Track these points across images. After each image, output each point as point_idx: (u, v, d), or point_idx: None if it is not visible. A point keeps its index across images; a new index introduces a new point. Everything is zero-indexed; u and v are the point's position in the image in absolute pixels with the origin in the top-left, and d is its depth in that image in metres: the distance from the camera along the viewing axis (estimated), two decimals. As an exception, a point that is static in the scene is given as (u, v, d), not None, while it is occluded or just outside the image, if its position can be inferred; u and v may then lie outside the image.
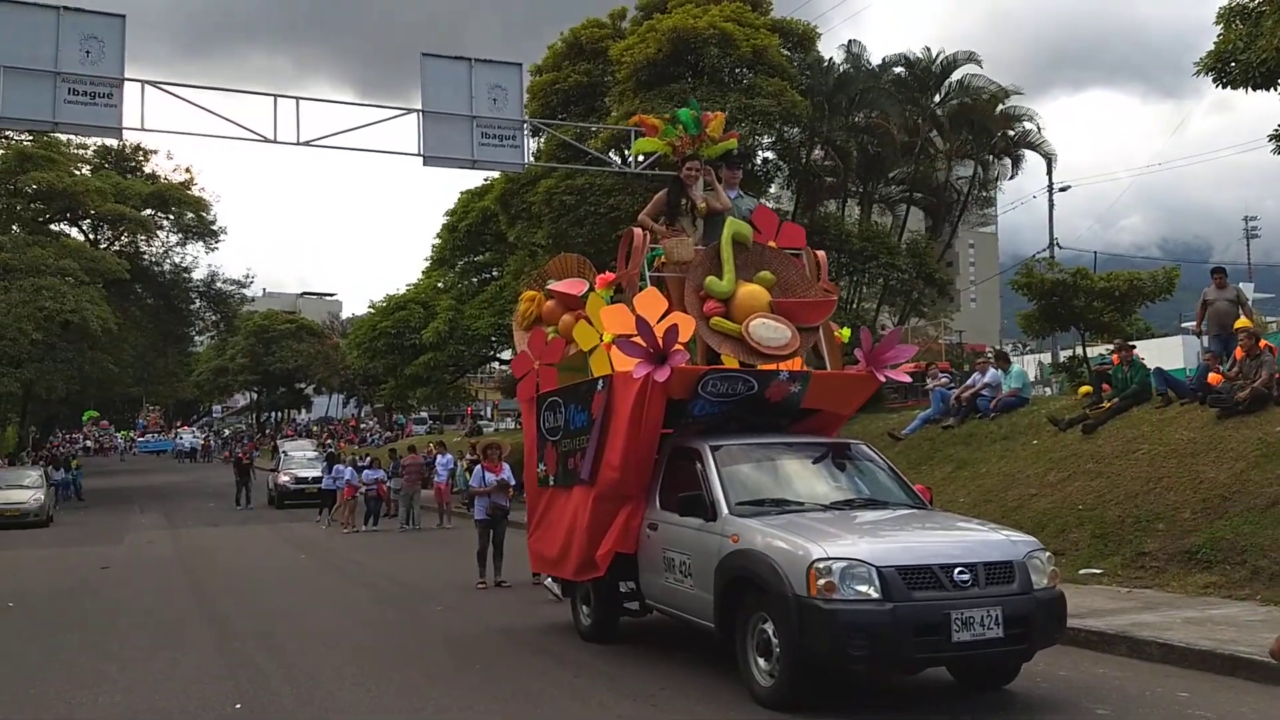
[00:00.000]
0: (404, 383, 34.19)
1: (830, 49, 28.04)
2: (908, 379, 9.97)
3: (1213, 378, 14.01)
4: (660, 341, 7.97)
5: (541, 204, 23.97)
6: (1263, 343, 13.23)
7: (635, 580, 8.85)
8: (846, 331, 9.90)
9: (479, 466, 14.29)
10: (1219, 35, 19.70)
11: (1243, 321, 14.46)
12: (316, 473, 28.71)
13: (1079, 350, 31.55)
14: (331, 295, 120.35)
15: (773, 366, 8.53)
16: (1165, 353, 27.85)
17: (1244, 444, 12.05)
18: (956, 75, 29.38)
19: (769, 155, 26.72)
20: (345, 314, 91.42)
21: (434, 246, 36.39)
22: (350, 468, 24.96)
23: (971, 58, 29.43)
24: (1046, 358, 36.85)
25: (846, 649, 6.47)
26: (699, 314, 8.51)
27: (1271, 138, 20.05)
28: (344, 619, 11.47)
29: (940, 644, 6.50)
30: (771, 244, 9.30)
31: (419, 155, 18.83)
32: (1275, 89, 19.20)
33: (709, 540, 7.61)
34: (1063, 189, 42.10)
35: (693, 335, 8.36)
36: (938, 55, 29.37)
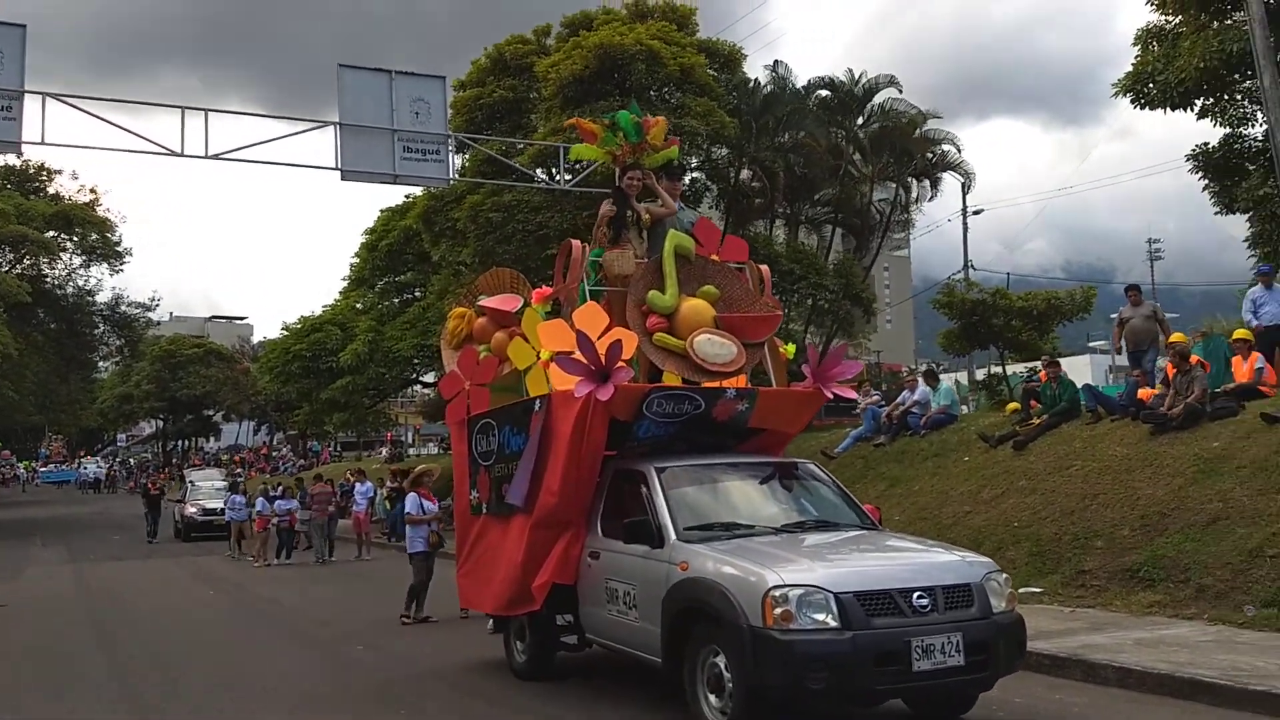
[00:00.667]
0: (319, 407, 33.16)
1: (754, 71, 28.18)
2: (855, 395, 9.64)
3: (1143, 394, 14.03)
4: (602, 358, 7.56)
5: (467, 221, 23.44)
6: (1194, 358, 13.24)
7: (574, 613, 8.36)
8: (791, 348, 9.62)
9: (415, 495, 13.55)
10: (1136, 57, 20.07)
11: (1177, 336, 14.53)
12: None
13: (995, 368, 31.99)
14: (242, 319, 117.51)
15: (718, 384, 8.19)
16: (1074, 371, 28.18)
17: (1180, 460, 12.00)
18: (878, 99, 29.66)
19: (698, 175, 26.54)
20: (256, 338, 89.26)
21: (352, 266, 35.50)
22: (261, 498, 24.00)
23: (892, 81, 29.75)
24: (963, 376, 37.27)
25: (804, 682, 6.11)
26: (641, 330, 8.15)
27: (1189, 158, 20.51)
28: (256, 662, 10.74)
29: (901, 674, 6.21)
30: (714, 257, 8.95)
31: (337, 169, 18.19)
32: (1192, 109, 19.63)
33: (655, 568, 7.19)
34: (976, 212, 42.87)
35: (635, 352, 7.99)
36: (860, 77, 29.60)
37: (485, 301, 9.81)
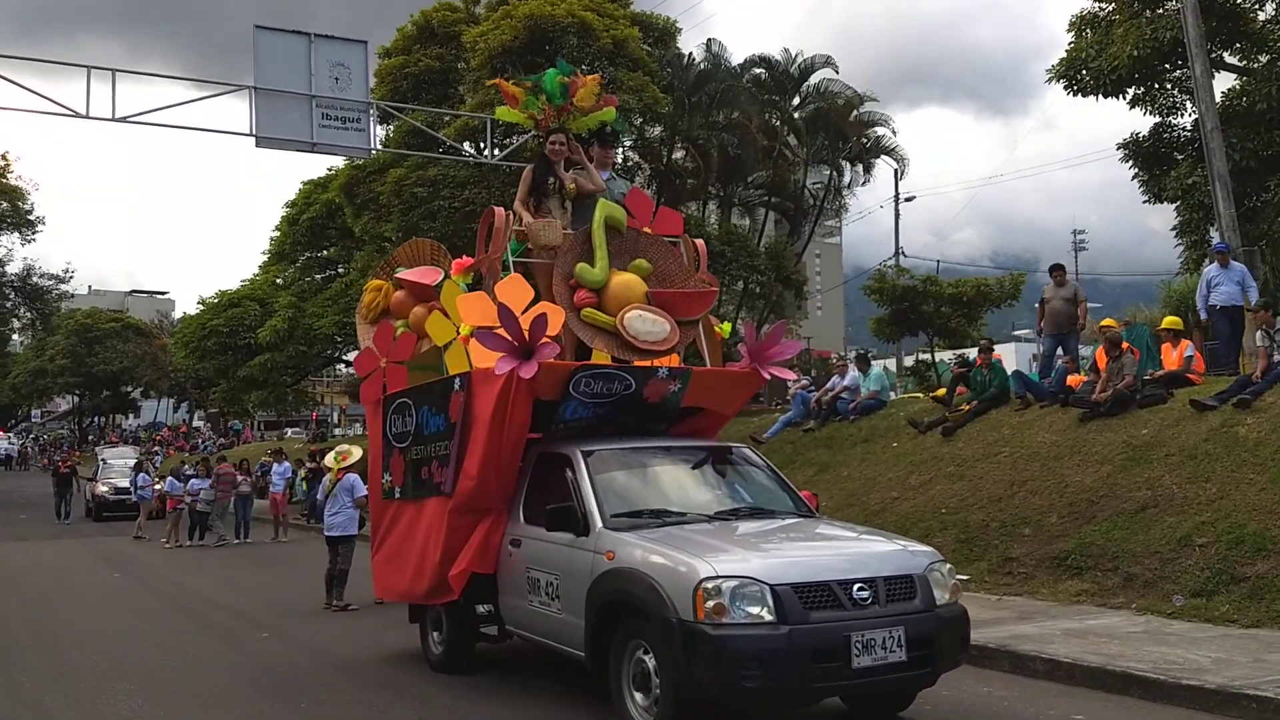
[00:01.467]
0: (237, 385, 32.20)
1: (688, 48, 27.86)
2: (793, 376, 9.24)
3: (1072, 380, 13.97)
4: (526, 334, 7.07)
5: (390, 195, 22.75)
6: (1124, 344, 13.18)
7: (494, 603, 7.91)
8: (727, 327, 9.13)
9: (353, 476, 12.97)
10: (1070, 43, 20.13)
11: (1108, 322, 14.47)
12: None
13: (924, 355, 32.18)
14: (163, 294, 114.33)
15: (649, 363, 7.73)
16: (1007, 360, 28.65)
17: (1108, 447, 11.91)
18: (814, 79, 29.45)
19: (630, 154, 26.10)
20: (178, 313, 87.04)
21: (273, 240, 34.50)
22: (171, 477, 23.18)
23: (829, 62, 29.56)
24: (892, 363, 37.47)
25: (738, 680, 5.71)
26: (568, 304, 7.63)
27: (1119, 146, 20.63)
28: (154, 649, 10.15)
29: (840, 670, 5.85)
30: (647, 230, 8.39)
31: (251, 135, 17.44)
32: (1124, 97, 19.72)
33: (580, 558, 6.77)
34: (908, 199, 43.10)
35: (561, 328, 7.50)
36: (796, 57, 29.35)
37: (403, 274, 9.24)
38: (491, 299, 7.61)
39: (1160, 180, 19.53)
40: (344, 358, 36.45)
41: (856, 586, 6.00)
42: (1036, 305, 16.00)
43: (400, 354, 8.87)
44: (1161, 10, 18.66)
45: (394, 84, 23.61)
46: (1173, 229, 19.91)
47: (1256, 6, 19.39)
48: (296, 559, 17.65)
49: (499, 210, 8.40)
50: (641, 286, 7.87)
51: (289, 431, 57.77)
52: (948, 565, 6.59)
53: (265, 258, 35.45)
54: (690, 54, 26.99)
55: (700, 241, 9.15)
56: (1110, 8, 19.45)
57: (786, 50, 29.48)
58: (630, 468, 7.52)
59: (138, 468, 26.11)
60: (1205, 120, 16.81)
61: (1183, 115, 19.93)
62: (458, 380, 7.85)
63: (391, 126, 23.90)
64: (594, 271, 7.74)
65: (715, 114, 26.94)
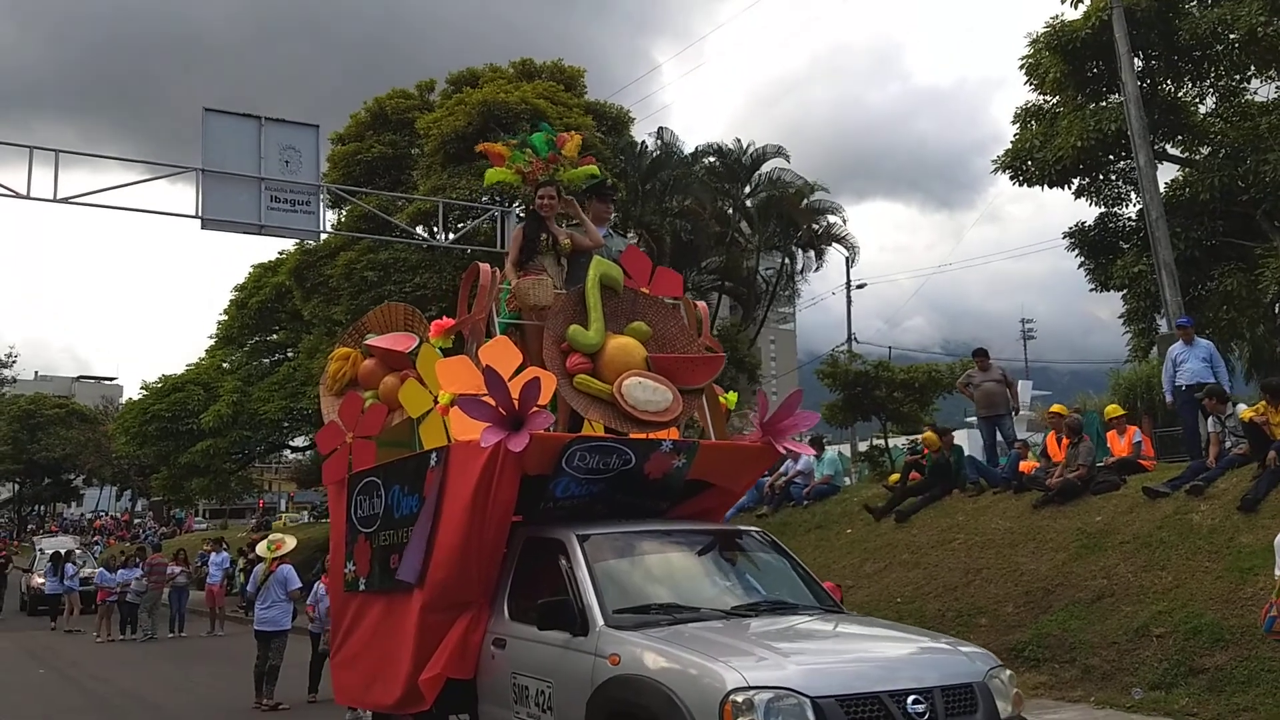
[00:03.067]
0: (179, 472, 31.36)
1: (641, 136, 28.19)
2: (811, 451, 8.58)
3: (1025, 466, 13.88)
4: (515, 401, 6.27)
5: (340, 278, 22.51)
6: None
7: (472, 713, 6.97)
8: (734, 396, 8.32)
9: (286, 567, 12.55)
10: (1015, 135, 20.53)
11: (1058, 408, 14.44)
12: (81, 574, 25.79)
13: (878, 440, 32.15)
14: (111, 379, 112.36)
15: (648, 435, 6.99)
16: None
17: (1063, 534, 11.77)
18: (766, 168, 29.88)
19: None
20: (125, 398, 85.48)
21: (220, 324, 34.00)
22: (102, 568, 22.41)
23: (780, 152, 30.06)
24: (846, 449, 37.41)
25: None
26: (560, 370, 6.88)
27: (1065, 235, 20.95)
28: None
29: None
30: (644, 290, 7.70)
31: (197, 217, 17.22)
32: (1069, 187, 20.09)
33: (578, 662, 5.83)
34: (860, 286, 43.60)
35: (553, 396, 6.80)
36: (748, 147, 29.78)
37: (374, 341, 8.43)
38: (475, 363, 6.90)
39: (1107, 269, 19.82)
40: (290, 443, 35.76)
41: (911, 699, 5.13)
42: (961, 386, 15.89)
43: (368, 428, 7.99)
44: (1105, 103, 19.12)
45: (347, 169, 23.55)
46: (1120, 317, 20.16)
47: (1197, 100, 19.95)
48: (231, 653, 16.98)
49: (484, 266, 7.60)
50: (640, 351, 7.17)
51: (249, 518, 56.39)
52: (1007, 671, 5.76)
53: (212, 342, 34.96)
54: (643, 142, 27.28)
55: (703, 305, 8.59)
56: (1054, 100, 19.90)
57: (738, 140, 29.97)
58: (633, 555, 6.67)
59: (64, 558, 25.23)
60: (1150, 209, 17.10)
61: (1127, 205, 20.34)
62: (434, 455, 7.00)
63: (343, 211, 23.79)
64: (588, 334, 7.05)
65: (669, 200, 27.15)
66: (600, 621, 5.84)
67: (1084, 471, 12.36)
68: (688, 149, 29.25)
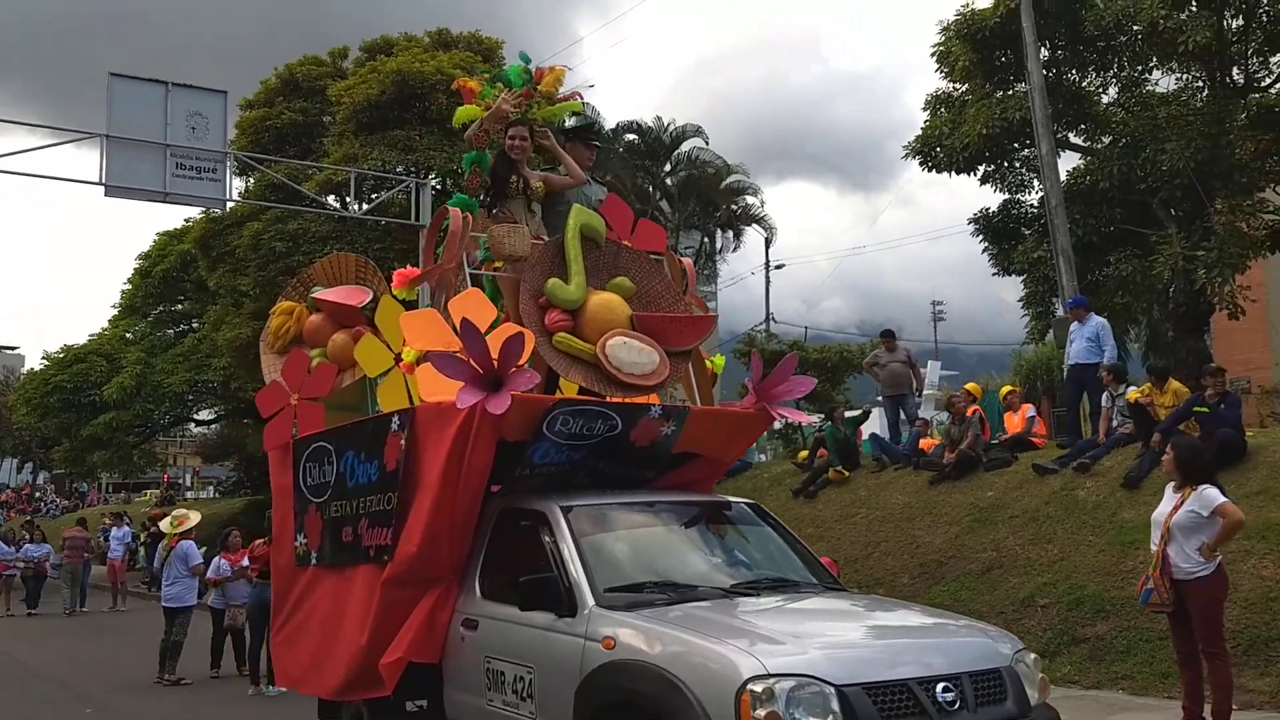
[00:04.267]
0: (80, 444, 30.55)
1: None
2: (806, 418, 8.18)
3: (925, 443, 14.28)
4: (495, 358, 5.69)
5: (248, 249, 22.06)
6: (970, 409, 13.52)
7: (434, 700, 6.34)
8: (720, 360, 7.78)
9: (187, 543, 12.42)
10: (926, 122, 20.91)
11: (971, 386, 14.88)
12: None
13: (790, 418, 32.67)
14: (13, 349, 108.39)
15: (634, 400, 6.42)
16: (866, 423, 29.13)
17: (957, 509, 12.16)
18: (685, 147, 30.01)
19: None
20: (27, 369, 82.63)
21: (124, 293, 33.06)
22: (1, 542, 21.85)
23: (699, 131, 30.23)
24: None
25: None
26: (538, 328, 6.29)
27: (971, 221, 21.45)
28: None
29: None
30: (626, 244, 7.08)
31: (100, 184, 16.78)
32: (975, 174, 20.56)
33: (565, 645, 5.29)
34: (778, 267, 44.08)
35: (530, 355, 6.22)
36: (668, 125, 29.87)
37: (322, 294, 7.77)
38: (445, 317, 6.29)
39: (1009, 254, 20.33)
40: (195, 417, 35.06)
41: (941, 686, 4.70)
42: (868, 366, 16.27)
43: (316, 389, 7.35)
44: (1011, 91, 19.57)
45: (255, 136, 23.03)
46: (1020, 300, 20.73)
47: (1100, 90, 20.53)
48: (133, 628, 16.77)
49: (455, 210, 6.91)
50: (624, 309, 6.59)
51: (143, 494, 55.11)
52: (1032, 655, 5.38)
53: (115, 311, 34.01)
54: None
55: (689, 261, 7.85)
56: (964, 88, 20.30)
57: (659, 118, 30.01)
58: (621, 528, 6.15)
59: None
60: (1050, 197, 17.62)
61: (1030, 192, 20.86)
62: (396, 418, 6.38)
63: (251, 179, 23.28)
64: (569, 289, 6.44)
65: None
66: (590, 601, 5.32)
67: (971, 443, 12.78)
68: (609, 124, 29.22)
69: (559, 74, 7.49)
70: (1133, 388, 11.88)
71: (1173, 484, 7.07)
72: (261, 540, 11.39)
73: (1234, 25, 18.10)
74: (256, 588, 11.17)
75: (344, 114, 21.75)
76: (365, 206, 21.21)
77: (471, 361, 5.70)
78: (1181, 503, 6.82)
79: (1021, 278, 20.37)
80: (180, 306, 32.11)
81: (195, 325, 30.95)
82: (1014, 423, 13.61)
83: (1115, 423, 11.75)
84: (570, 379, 6.44)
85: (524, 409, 5.77)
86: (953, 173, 20.25)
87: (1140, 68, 19.63)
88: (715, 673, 4.54)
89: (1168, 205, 18.37)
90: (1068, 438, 12.69)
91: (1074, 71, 20.11)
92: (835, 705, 4.41)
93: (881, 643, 5.15)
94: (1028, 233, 20.53)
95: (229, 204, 20.60)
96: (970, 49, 19.19)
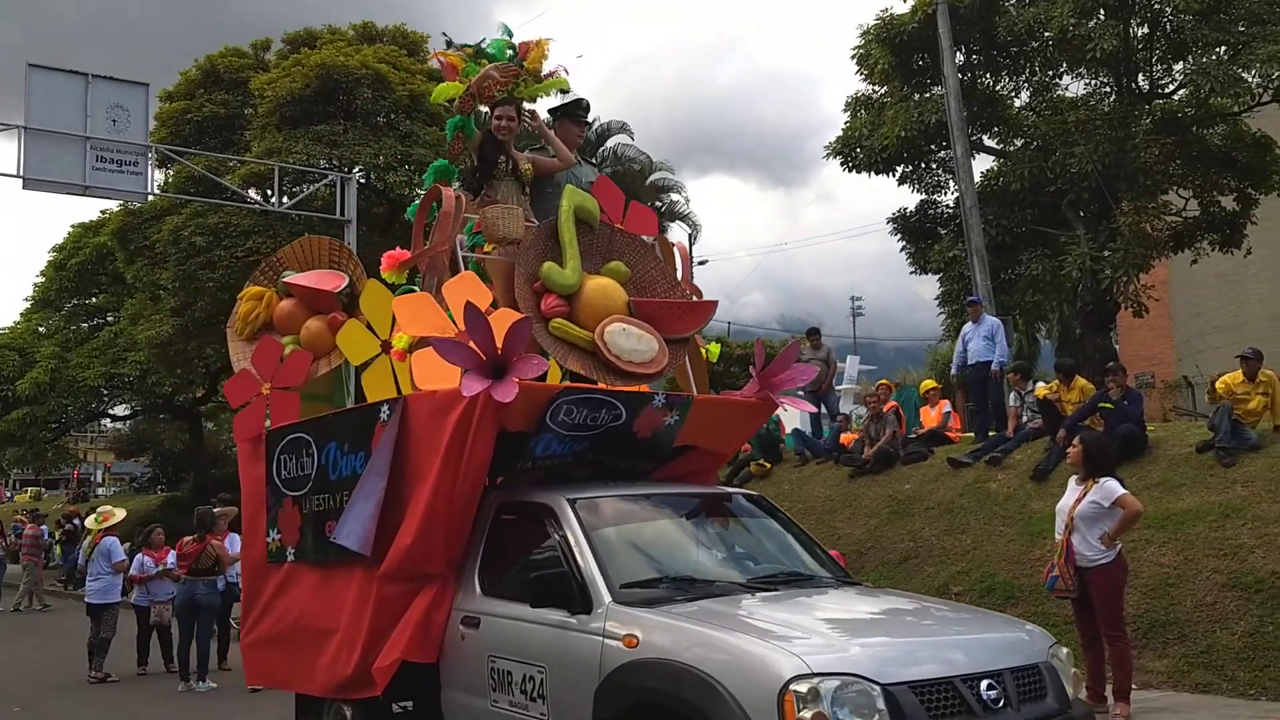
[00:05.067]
0: (-8, 441, 29.81)
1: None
2: (811, 408, 8.00)
3: (845, 438, 14.72)
4: (499, 344, 5.41)
5: (167, 243, 21.72)
6: (888, 405, 13.98)
7: (422, 700, 6.08)
8: (715, 348, 7.64)
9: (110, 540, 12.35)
10: (846, 123, 21.38)
11: (883, 382, 15.34)
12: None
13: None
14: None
15: (631, 388, 6.18)
16: (786, 418, 29.68)
17: (876, 501, 12.59)
18: (610, 143, 30.13)
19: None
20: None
21: (37, 286, 32.22)
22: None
23: (624, 128, 30.35)
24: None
25: None
26: (535, 313, 6.06)
27: (889, 220, 21.99)
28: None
29: None
30: (620, 227, 6.91)
31: (18, 177, 16.48)
32: (894, 175, 21.10)
33: (581, 644, 5.07)
34: (701, 263, 44.46)
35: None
36: (594, 121, 29.95)
37: (294, 279, 7.46)
38: (439, 301, 6.05)
39: (926, 253, 20.91)
40: (110, 412, 34.36)
41: (985, 684, 4.53)
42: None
43: (290, 377, 7.06)
44: (929, 94, 20.11)
45: (175, 128, 22.64)
46: (936, 298, 21.34)
47: (1014, 94, 21.20)
48: (52, 627, 16.49)
49: (447, 190, 6.63)
50: (621, 294, 6.42)
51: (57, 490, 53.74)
52: (1064, 649, 5.22)
53: (28, 305, 33.13)
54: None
55: (683, 245, 7.59)
56: (883, 90, 20.80)
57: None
58: (629, 522, 5.91)
59: None
60: (965, 198, 18.19)
61: (946, 193, 21.45)
62: (385, 408, 6.12)
63: (171, 171, 22.90)
64: (565, 273, 6.24)
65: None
66: (606, 598, 5.10)
67: (890, 437, 13.24)
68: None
69: (544, 47, 7.19)
70: (1041, 384, 12.42)
71: (1076, 476, 7.51)
72: (190, 538, 11.35)
73: (1139, 33, 18.86)
74: (185, 585, 11.15)
75: (266, 107, 21.52)
76: (289, 200, 21.04)
77: (475, 347, 5.41)
78: (1084, 494, 7.25)
79: (938, 276, 20.97)
80: (96, 300, 31.40)
81: (111, 319, 30.31)
82: (931, 418, 14.12)
83: (1024, 418, 12.28)
84: (568, 367, 6.20)
85: (529, 397, 5.53)
86: (871, 173, 20.75)
87: (1051, 73, 20.32)
88: (754, 672, 4.31)
89: (1076, 207, 19.06)
90: (979, 432, 13.22)
91: (988, 76, 20.73)
92: (881, 705, 4.22)
93: (921, 639, 4.95)
94: (944, 232, 21.12)
95: (149, 197, 20.30)
96: (889, 53, 19.67)
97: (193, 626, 11.10)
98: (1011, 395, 12.50)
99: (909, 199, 21.64)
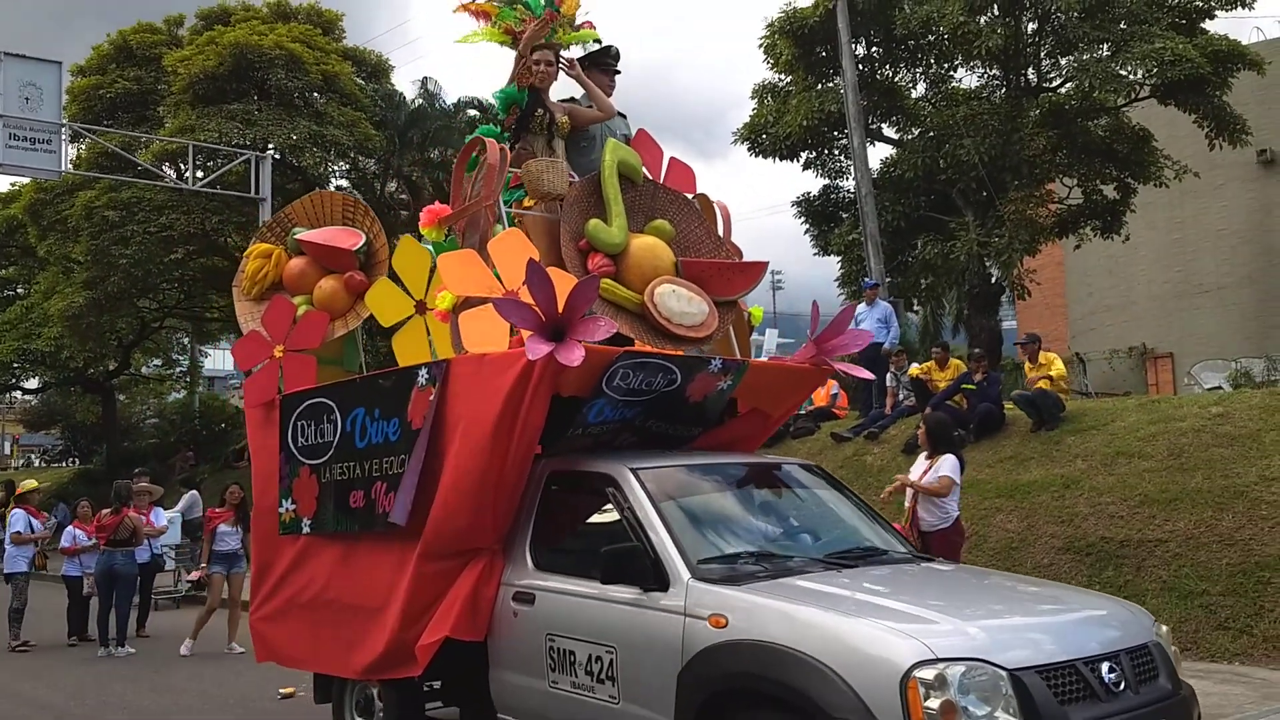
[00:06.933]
0: (-102, 413, 29.38)
1: (404, 84, 28.30)
2: (867, 374, 7.51)
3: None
4: (560, 304, 5.09)
5: (80, 218, 21.76)
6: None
7: (449, 678, 5.91)
8: (759, 311, 7.21)
9: (22, 512, 12.66)
10: (753, 109, 22.16)
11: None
12: None
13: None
14: None
15: (681, 351, 5.84)
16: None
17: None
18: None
19: (343, 184, 26.20)
20: None
21: (-52, 259, 31.79)
22: None
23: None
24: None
25: None
26: (580, 273, 5.75)
27: (794, 204, 22.89)
28: None
29: None
30: (662, 184, 6.63)
31: (-73, 154, 16.53)
32: (798, 161, 21.94)
33: (659, 623, 4.73)
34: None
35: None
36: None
37: (306, 235, 7.08)
38: (486, 260, 5.66)
39: (827, 236, 21.83)
40: (21, 385, 34.02)
41: (1106, 667, 4.31)
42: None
43: (306, 339, 6.73)
44: (831, 84, 20.94)
45: (87, 103, 22.63)
46: (836, 279, 22.27)
47: (911, 85, 22.14)
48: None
49: (491, 141, 6.11)
50: (669, 254, 6.08)
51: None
52: (1164, 626, 4.98)
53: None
54: (403, 94, 27.36)
55: (723, 203, 7.08)
56: (788, 80, 21.59)
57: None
58: (695, 493, 5.51)
59: None
60: (861, 185, 19.11)
61: (847, 179, 22.35)
62: (425, 371, 5.74)
63: (83, 145, 22.88)
64: (611, 231, 5.89)
65: (430, 151, 27.45)
66: (685, 574, 4.76)
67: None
68: (451, 99, 29.53)
69: None
70: (914, 365, 13.38)
71: (924, 453, 8.38)
72: (108, 510, 11.78)
73: (1029, 29, 19.89)
74: (104, 555, 11.57)
75: (180, 85, 21.63)
76: (201, 176, 21.21)
77: (536, 308, 5.08)
78: (929, 468, 8.11)
79: (838, 259, 21.89)
80: (5, 272, 31.07)
81: (21, 291, 30.04)
82: (820, 396, 14.98)
83: (901, 396, 13.21)
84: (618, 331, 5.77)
85: (589, 361, 5.13)
86: (777, 159, 21.56)
87: (946, 65, 21.28)
88: (871, 658, 4.01)
89: (965, 195, 20.08)
90: (864, 410, 14.14)
91: (887, 67, 21.62)
92: (1009, 690, 3.95)
93: (1036, 619, 4.63)
94: (845, 216, 22.01)
95: (62, 173, 20.36)
96: (792, 44, 20.43)
97: (111, 595, 11.53)
98: (889, 375, 13.40)
99: (813, 183, 22.45)
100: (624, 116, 7.11)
